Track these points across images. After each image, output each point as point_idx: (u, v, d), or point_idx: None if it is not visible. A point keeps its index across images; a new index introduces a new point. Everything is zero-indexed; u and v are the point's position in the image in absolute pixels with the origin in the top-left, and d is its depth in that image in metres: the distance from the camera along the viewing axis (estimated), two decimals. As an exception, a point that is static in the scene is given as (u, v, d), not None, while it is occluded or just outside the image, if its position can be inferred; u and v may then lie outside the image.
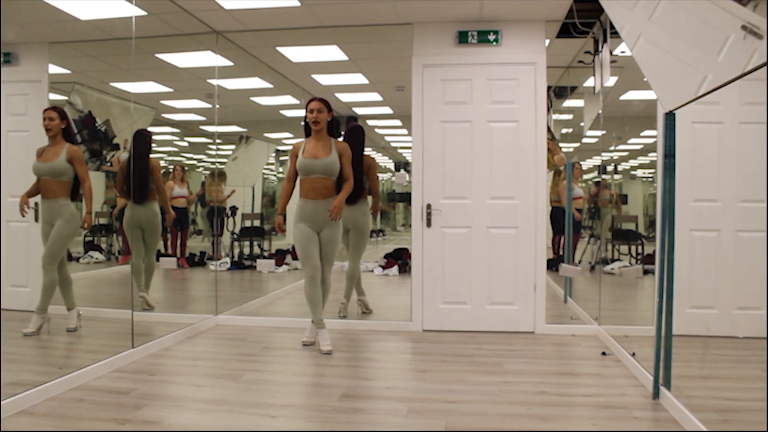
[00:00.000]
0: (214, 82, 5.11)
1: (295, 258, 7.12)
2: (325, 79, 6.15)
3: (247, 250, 7.28)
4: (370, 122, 7.16)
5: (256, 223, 7.40)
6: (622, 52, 4.21)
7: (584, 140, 5.66)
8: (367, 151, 4.80)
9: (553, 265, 6.28)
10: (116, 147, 4.93)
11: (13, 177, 3.89)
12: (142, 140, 4.69)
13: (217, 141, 5.46)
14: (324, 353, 3.80)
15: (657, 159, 3.21)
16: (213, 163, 6.27)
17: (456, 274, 4.52)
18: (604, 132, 4.83)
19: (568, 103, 6.19)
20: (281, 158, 7.90)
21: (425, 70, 4.54)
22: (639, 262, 4.99)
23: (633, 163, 5.21)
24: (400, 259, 7.02)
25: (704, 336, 3.72)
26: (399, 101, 6.47)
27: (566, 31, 4.60)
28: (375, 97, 6.65)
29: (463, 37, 4.47)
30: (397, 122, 7.28)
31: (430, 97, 4.54)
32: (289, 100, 6.77)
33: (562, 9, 4.26)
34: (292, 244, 7.20)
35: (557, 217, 6.36)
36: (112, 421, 2.60)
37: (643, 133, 4.67)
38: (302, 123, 4.01)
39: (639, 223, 5.17)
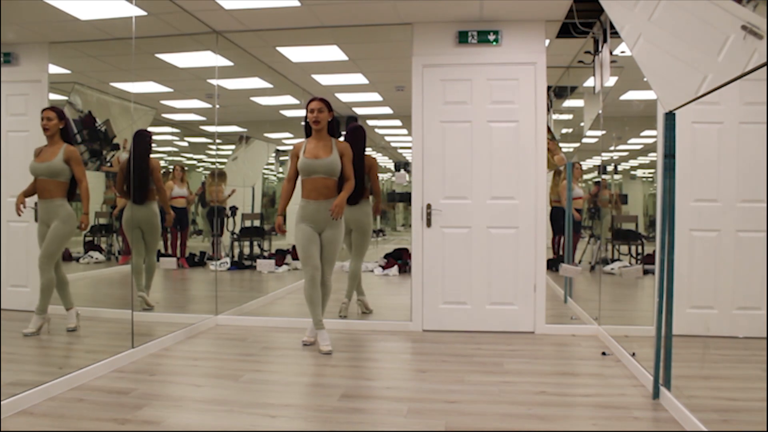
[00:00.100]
0: (214, 82, 5.11)
1: (295, 258, 7.12)
2: (325, 79, 6.15)
3: (247, 250, 7.28)
4: (370, 122, 7.16)
5: (256, 223, 7.40)
6: (622, 52, 4.21)
7: (584, 140, 5.66)
8: (367, 151, 4.80)
9: (553, 265, 6.28)
10: (116, 147, 4.93)
11: (13, 177, 3.89)
12: (142, 140, 4.69)
13: (217, 141, 5.46)
14: (324, 353, 3.80)
15: (657, 159, 3.21)
16: (213, 163, 6.26)
17: (456, 274, 4.52)
18: (604, 132, 4.83)
19: (568, 103, 6.19)
20: (281, 158, 7.90)
21: (425, 70, 4.54)
22: (639, 262, 4.99)
23: (633, 163, 5.21)
24: (400, 259, 7.02)
25: (704, 336, 3.72)
26: (399, 101, 6.47)
27: (566, 31, 4.60)
28: (375, 97, 6.65)
29: (463, 37, 4.47)
30: (397, 122, 7.28)
31: (430, 97, 4.54)
32: (289, 100, 6.77)
33: (562, 9, 4.26)
34: (292, 244, 7.21)
35: (557, 217, 6.36)
36: (112, 421, 2.60)
37: (643, 133, 4.67)
38: (303, 123, 4.01)
39: (639, 223, 5.17)
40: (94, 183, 4.97)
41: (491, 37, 4.45)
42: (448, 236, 4.53)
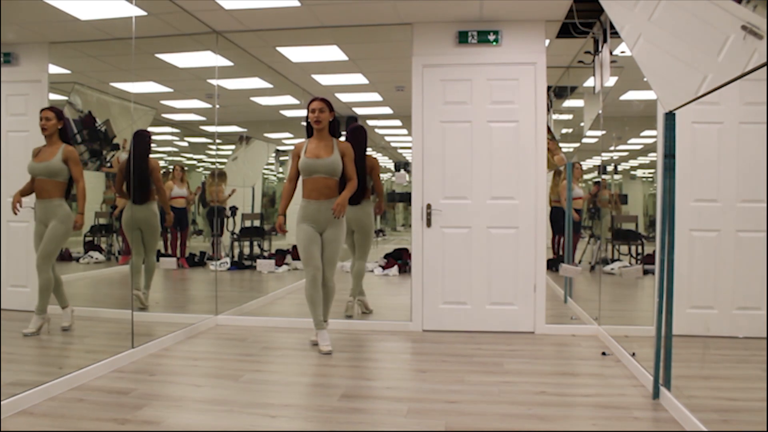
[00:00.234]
0: (214, 82, 5.11)
1: (295, 258, 7.12)
2: (325, 79, 6.15)
3: (247, 250, 7.28)
4: (370, 122, 7.15)
5: (256, 223, 7.40)
6: (622, 52, 4.21)
7: (584, 140, 5.66)
8: (368, 151, 4.81)
9: (553, 265, 6.28)
10: (116, 147, 4.92)
11: (13, 177, 3.88)
12: (142, 140, 4.69)
13: (217, 141, 5.46)
14: (324, 353, 3.80)
15: (657, 159, 3.21)
16: (213, 163, 6.26)
17: (456, 274, 4.52)
18: (604, 132, 4.83)
19: (568, 103, 6.19)
20: (281, 158, 7.90)
21: (425, 70, 4.54)
22: (639, 262, 4.99)
23: (633, 163, 5.21)
24: (400, 259, 7.02)
25: (704, 336, 3.72)
26: (399, 101, 6.46)
27: (566, 31, 4.60)
28: (375, 97, 6.65)
29: (463, 37, 4.47)
30: (397, 122, 7.27)
31: (430, 97, 4.54)
32: (289, 100, 6.77)
33: (562, 9, 4.26)
34: (292, 244, 7.21)
35: (557, 217, 6.36)
36: (112, 421, 2.60)
37: (643, 133, 4.67)
38: (303, 123, 4.01)
39: (639, 223, 5.17)
40: (94, 183, 4.97)
41: (491, 37, 4.45)
42: (448, 236, 4.53)
